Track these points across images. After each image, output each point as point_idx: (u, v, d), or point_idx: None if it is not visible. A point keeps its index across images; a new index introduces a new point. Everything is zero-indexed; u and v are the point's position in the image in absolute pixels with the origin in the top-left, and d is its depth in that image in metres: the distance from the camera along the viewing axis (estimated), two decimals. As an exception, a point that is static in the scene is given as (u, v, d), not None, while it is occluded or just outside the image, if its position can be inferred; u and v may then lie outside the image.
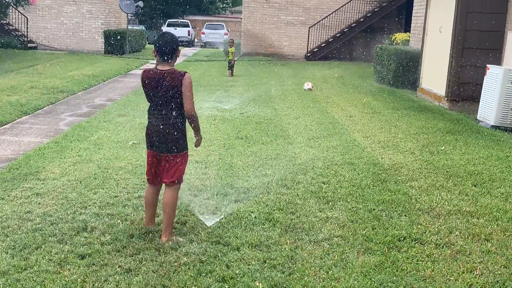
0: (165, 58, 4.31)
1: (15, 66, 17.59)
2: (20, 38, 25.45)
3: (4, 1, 20.54)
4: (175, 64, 4.42)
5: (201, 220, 4.87)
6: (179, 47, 4.47)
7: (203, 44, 41.45)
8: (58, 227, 4.63)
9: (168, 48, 4.28)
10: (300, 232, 4.71)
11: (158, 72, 4.29)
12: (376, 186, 6.07)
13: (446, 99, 11.84)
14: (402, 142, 8.35)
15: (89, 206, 5.17)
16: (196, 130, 4.48)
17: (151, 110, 4.41)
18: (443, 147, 8.04)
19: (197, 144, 4.63)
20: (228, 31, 42.97)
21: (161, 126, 4.31)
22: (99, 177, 6.10)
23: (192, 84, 4.31)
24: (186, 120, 4.39)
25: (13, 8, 23.70)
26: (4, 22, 25.41)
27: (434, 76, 12.75)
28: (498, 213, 5.32)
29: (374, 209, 5.30)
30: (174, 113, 4.30)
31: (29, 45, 25.58)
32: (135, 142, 7.80)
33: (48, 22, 26.60)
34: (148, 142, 4.48)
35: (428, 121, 10.14)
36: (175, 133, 4.31)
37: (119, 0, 26.57)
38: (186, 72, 4.31)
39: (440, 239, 4.65)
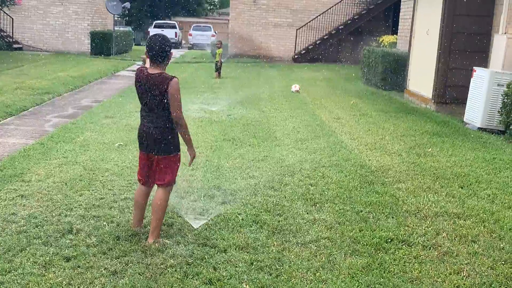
0: (156, 60, 4.25)
1: (0, 67, 17.41)
2: (5, 39, 25.23)
3: (-11, 2, 20.36)
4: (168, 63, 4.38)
5: (188, 222, 4.84)
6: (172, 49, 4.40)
7: (190, 45, 41.40)
8: (43, 229, 4.58)
9: (159, 51, 4.22)
10: (288, 234, 4.70)
11: (147, 75, 4.26)
12: (363, 188, 6.07)
13: (433, 101, 11.89)
14: (389, 144, 8.36)
15: (74, 208, 5.12)
16: (187, 141, 4.39)
17: (142, 112, 4.38)
18: (430, 149, 8.07)
19: (190, 162, 4.52)
20: (215, 32, 42.96)
21: (152, 128, 4.29)
22: (85, 179, 6.04)
23: (179, 89, 4.23)
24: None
25: (-1, 9, 23.50)
26: (-11, 22, 25.20)
27: (421, 78, 12.81)
28: (484, 215, 5.34)
29: (361, 211, 5.30)
30: (163, 116, 4.25)
31: (15, 46, 25.37)
32: (122, 143, 7.75)
33: (34, 23, 26.40)
34: (140, 144, 4.45)
35: (415, 123, 10.18)
36: (166, 135, 4.28)
37: (106, 1, 26.46)
38: (174, 77, 4.24)
39: (427, 240, 4.66)
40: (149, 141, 4.32)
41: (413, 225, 5.00)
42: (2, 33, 25.50)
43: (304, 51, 26.44)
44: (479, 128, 9.75)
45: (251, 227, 4.81)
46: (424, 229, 4.92)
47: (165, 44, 4.25)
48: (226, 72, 19.01)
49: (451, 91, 11.55)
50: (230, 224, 4.85)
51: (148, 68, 4.31)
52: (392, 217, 5.18)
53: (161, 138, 4.28)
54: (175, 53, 30.36)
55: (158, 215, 4.38)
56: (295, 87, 14.82)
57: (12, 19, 25.32)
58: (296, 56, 26.44)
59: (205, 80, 17.19)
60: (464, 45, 11.34)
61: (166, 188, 4.41)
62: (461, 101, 11.12)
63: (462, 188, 6.24)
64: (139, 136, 4.44)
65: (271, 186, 6.01)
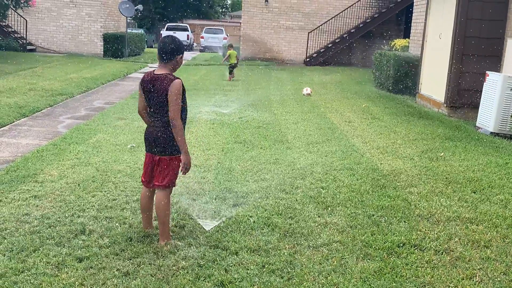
0: (162, 60, 4.30)
1: (14, 68, 17.56)
2: (19, 41, 25.43)
3: (3, 3, 20.51)
4: (178, 68, 4.40)
5: (200, 224, 4.85)
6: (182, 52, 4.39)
7: (202, 48, 41.50)
8: (56, 229, 4.61)
9: (166, 51, 4.27)
10: (299, 237, 4.69)
11: (153, 75, 4.30)
12: (375, 191, 6.06)
13: (445, 105, 11.84)
14: (401, 148, 8.34)
15: (87, 209, 5.15)
16: (180, 144, 4.26)
17: (148, 112, 4.40)
18: (442, 154, 8.04)
19: (183, 168, 4.31)
20: (227, 35, 43.02)
21: (155, 129, 4.31)
22: (98, 180, 6.08)
23: (179, 91, 4.19)
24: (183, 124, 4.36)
25: (13, 10, 23.68)
26: (3, 24, 25.39)
27: (434, 82, 12.76)
28: (497, 220, 5.31)
29: (373, 215, 5.29)
30: (165, 116, 4.25)
31: (28, 47, 25.57)
32: (134, 145, 7.78)
33: (47, 25, 26.59)
34: (145, 144, 4.48)
35: (427, 127, 10.13)
36: (167, 135, 4.27)
37: (119, 4, 26.60)
38: (177, 78, 4.24)
39: (440, 245, 4.64)
40: (152, 141, 4.34)
41: (425, 230, 4.98)
42: (15, 35, 25.71)
43: (315, 54, 26.42)
44: (491, 132, 9.69)
45: (263, 229, 4.82)
46: (437, 233, 4.90)
47: (172, 44, 4.27)
48: (238, 74, 19.04)
49: (464, 95, 11.49)
50: (241, 226, 4.85)
51: (156, 69, 4.35)
52: (404, 221, 5.16)
53: (163, 138, 4.28)
54: (187, 55, 30.50)
55: (161, 218, 4.39)
56: (306, 90, 14.81)
57: (26, 20, 25.51)
58: (307, 59, 26.43)
59: (217, 82, 17.22)
60: (477, 49, 11.28)
61: (165, 190, 4.39)
62: (473, 105, 11.07)
63: (474, 192, 6.21)
64: (144, 136, 4.47)
65: (283, 189, 6.01)
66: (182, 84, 4.25)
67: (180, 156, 4.34)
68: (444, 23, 12.30)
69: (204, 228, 4.76)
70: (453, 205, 5.72)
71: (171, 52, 4.28)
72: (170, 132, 4.26)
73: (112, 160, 6.96)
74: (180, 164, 4.35)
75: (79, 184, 5.88)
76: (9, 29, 25.72)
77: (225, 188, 5.97)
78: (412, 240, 4.69)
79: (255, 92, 14.81)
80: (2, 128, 8.92)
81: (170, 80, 4.20)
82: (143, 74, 4.45)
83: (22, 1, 20.24)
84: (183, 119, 4.33)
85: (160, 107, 4.24)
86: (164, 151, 4.32)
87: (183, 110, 4.32)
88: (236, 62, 18.01)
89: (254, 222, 4.97)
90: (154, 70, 4.36)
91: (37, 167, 6.47)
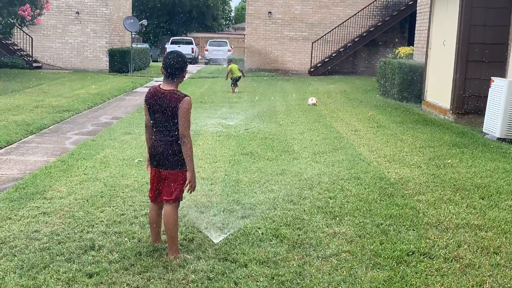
0: (169, 76, 4.34)
1: (21, 85, 17.70)
2: (25, 58, 25.65)
3: (9, 22, 20.71)
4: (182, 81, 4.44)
5: (208, 237, 4.86)
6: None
7: (206, 61, 41.66)
8: (66, 246, 4.63)
9: (173, 67, 4.30)
10: (308, 247, 4.69)
11: (160, 91, 4.33)
12: (383, 200, 6.05)
13: (451, 112, 11.83)
14: (408, 156, 8.33)
15: (96, 224, 5.17)
16: (187, 162, 4.29)
17: (154, 127, 4.42)
18: (449, 161, 8.02)
19: (189, 187, 4.34)
20: (231, 47, 43.20)
21: (161, 143, 4.34)
22: (106, 195, 6.10)
23: (189, 109, 4.25)
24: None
25: (18, 29, 23.89)
26: (9, 42, 25.63)
27: (439, 89, 12.76)
28: (506, 226, 5.29)
29: (381, 224, 5.28)
30: (172, 132, 4.29)
31: (34, 64, 25.77)
32: (141, 159, 7.81)
33: (53, 42, 26.81)
34: (150, 159, 4.49)
35: (433, 135, 10.12)
36: (175, 150, 4.30)
37: (123, 19, 26.81)
38: (186, 96, 4.28)
39: (449, 253, 4.62)
40: (159, 156, 4.36)
41: (434, 238, 4.97)
42: (21, 52, 25.93)
43: (320, 64, 26.48)
44: (498, 138, 9.67)
45: (271, 241, 4.82)
46: (446, 241, 4.89)
47: (178, 61, 4.31)
48: (243, 86, 19.10)
49: (469, 101, 11.48)
50: (250, 238, 4.86)
51: (161, 84, 4.38)
52: (413, 230, 5.16)
53: (169, 153, 4.31)
54: (192, 68, 30.63)
55: (169, 232, 4.41)
56: (311, 100, 14.83)
57: (32, 38, 25.74)
58: (312, 69, 26.49)
59: (222, 94, 17.28)
60: (481, 55, 11.29)
61: (172, 204, 4.40)
62: (479, 111, 11.06)
63: (483, 199, 6.19)
64: (149, 152, 4.49)
65: (290, 199, 6.02)
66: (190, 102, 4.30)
67: (186, 169, 4.34)
68: (447, 30, 12.32)
69: (212, 241, 4.77)
70: (462, 212, 5.71)
71: (177, 69, 4.31)
72: (177, 147, 4.29)
73: (120, 175, 6.99)
74: (185, 173, 4.35)
75: (87, 200, 5.91)
76: (15, 47, 25.95)
77: (233, 200, 5.98)
78: (421, 248, 4.68)
79: (261, 103, 14.85)
80: (10, 146, 8.98)
81: (179, 97, 4.24)
82: (148, 89, 4.47)
83: (28, 19, 20.40)
84: None
85: (168, 123, 4.27)
86: (172, 166, 4.33)
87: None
88: (240, 75, 18.04)
89: (262, 233, 4.97)
90: (159, 85, 4.40)
91: (46, 184, 6.51)
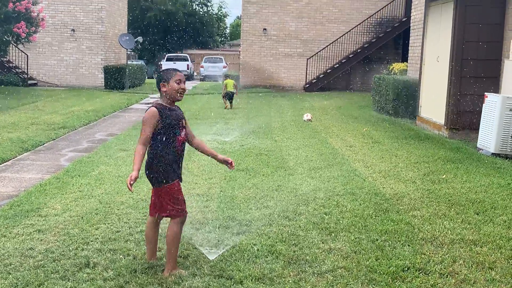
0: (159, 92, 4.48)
1: (16, 103, 17.70)
2: (20, 75, 25.67)
3: (4, 39, 20.77)
4: (175, 95, 4.47)
5: (204, 254, 4.84)
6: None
7: (202, 77, 41.78)
8: (61, 263, 4.61)
9: (157, 82, 4.45)
10: (303, 264, 4.69)
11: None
12: (378, 216, 6.06)
13: (445, 127, 11.89)
14: (403, 171, 8.35)
15: (91, 241, 5.16)
16: (134, 168, 4.25)
17: None
18: (444, 176, 8.05)
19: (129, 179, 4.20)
20: (227, 64, 43.36)
21: (146, 159, 4.40)
22: (101, 212, 6.09)
23: (147, 119, 4.28)
24: (174, 152, 4.39)
25: (13, 46, 23.95)
26: (5, 59, 25.66)
27: (433, 105, 12.84)
28: (501, 241, 5.30)
29: (377, 240, 5.28)
30: (153, 147, 4.35)
31: (29, 81, 25.80)
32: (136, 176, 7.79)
33: (48, 59, 26.87)
34: None
35: (428, 150, 10.16)
36: (152, 166, 4.36)
37: (119, 36, 26.93)
38: (152, 107, 4.35)
39: (444, 268, 4.63)
40: (145, 172, 4.44)
41: (429, 253, 4.97)
42: (17, 70, 25.96)
43: (315, 80, 26.61)
44: (493, 153, 9.71)
45: (267, 257, 4.81)
46: (441, 256, 4.89)
47: (157, 77, 4.46)
48: (239, 102, 19.16)
49: (464, 117, 11.55)
50: (245, 255, 4.85)
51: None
52: (408, 245, 5.16)
53: (151, 169, 4.38)
54: (188, 85, 30.68)
55: (169, 247, 4.41)
56: (307, 116, 14.89)
57: (27, 55, 25.79)
58: (307, 85, 26.61)
59: (218, 111, 17.32)
60: (475, 71, 11.38)
61: (174, 219, 4.41)
62: (474, 126, 11.12)
63: (477, 214, 6.21)
64: None
65: (286, 215, 6.02)
66: (158, 113, 4.28)
67: (172, 184, 4.37)
68: (441, 46, 12.42)
69: (208, 258, 4.76)
70: (457, 227, 5.72)
71: (157, 84, 4.45)
72: (159, 162, 4.33)
73: (115, 192, 6.98)
74: (177, 194, 4.39)
75: (82, 217, 5.89)
76: (10, 65, 25.98)
77: (228, 216, 5.98)
78: (417, 264, 4.68)
79: (256, 120, 14.88)
80: (5, 163, 8.96)
81: (148, 108, 4.38)
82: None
83: (23, 37, 20.47)
84: (171, 149, 4.35)
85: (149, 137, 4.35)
86: (157, 181, 4.38)
87: (169, 140, 4.33)
88: (234, 90, 18.11)
89: (258, 250, 4.96)
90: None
91: (41, 201, 6.49)
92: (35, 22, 21.16)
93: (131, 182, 4.15)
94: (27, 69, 26.06)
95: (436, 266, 4.67)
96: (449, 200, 6.74)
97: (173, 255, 4.42)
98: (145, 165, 4.39)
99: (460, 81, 11.49)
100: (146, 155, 4.35)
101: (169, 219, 4.50)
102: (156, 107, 4.33)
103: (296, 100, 21.74)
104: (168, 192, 4.37)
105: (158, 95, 4.50)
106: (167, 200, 4.37)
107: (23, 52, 25.58)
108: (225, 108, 17.88)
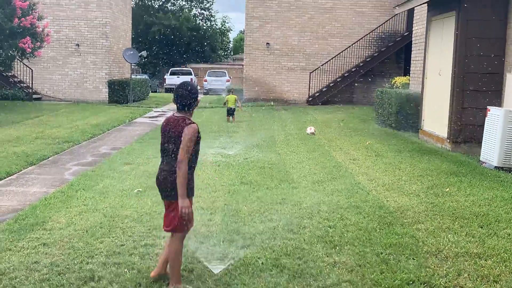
0: (181, 107, 4.42)
1: (20, 117, 17.79)
2: (25, 90, 25.79)
3: (9, 54, 20.90)
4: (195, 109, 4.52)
5: (208, 268, 4.85)
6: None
7: (206, 91, 41.92)
8: (66, 277, 4.63)
9: (184, 98, 4.38)
10: (308, 277, 4.69)
11: (171, 118, 4.43)
12: (382, 229, 6.06)
13: (448, 141, 11.90)
14: (407, 185, 8.36)
15: (95, 255, 5.18)
16: (178, 188, 4.20)
17: (161, 156, 4.50)
18: (447, 189, 8.05)
19: (181, 214, 4.20)
20: (230, 77, 43.50)
21: (164, 172, 4.39)
22: (105, 226, 6.11)
23: (192, 136, 4.25)
24: (194, 168, 4.43)
25: (18, 61, 24.10)
26: (10, 74, 25.80)
27: (436, 118, 12.86)
28: (505, 254, 5.30)
29: (381, 253, 5.29)
30: (175, 161, 4.29)
31: (34, 96, 25.90)
32: (140, 190, 7.84)
33: (52, 74, 27.00)
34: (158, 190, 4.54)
35: (431, 163, 10.17)
36: (174, 179, 4.29)
37: (123, 51, 27.07)
38: (194, 123, 4.34)
39: (449, 281, 4.63)
40: (161, 185, 4.41)
41: (434, 266, 4.98)
42: (21, 84, 26.08)
43: (318, 94, 26.68)
44: (496, 167, 9.71)
45: (271, 271, 4.82)
46: (445, 270, 4.90)
47: (189, 92, 4.38)
48: (241, 116, 19.22)
49: (466, 130, 11.56)
50: (250, 268, 4.86)
51: (175, 113, 4.48)
52: (413, 259, 5.16)
53: (168, 182, 4.33)
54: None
55: (170, 262, 4.43)
56: (310, 129, 14.92)
57: (32, 70, 25.92)
58: (310, 99, 26.67)
59: (221, 124, 17.36)
60: (477, 85, 11.40)
61: (175, 235, 4.42)
62: (477, 140, 11.13)
63: (481, 227, 6.21)
64: (156, 182, 4.53)
65: (290, 229, 6.03)
66: (198, 131, 4.32)
67: (191, 198, 4.38)
68: (443, 60, 12.47)
69: (212, 272, 4.77)
70: (461, 240, 5.72)
71: (189, 100, 4.39)
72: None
73: (119, 205, 7.01)
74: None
75: (87, 231, 5.91)
76: (15, 79, 26.12)
77: (233, 230, 5.99)
78: (421, 277, 4.69)
79: (260, 133, 14.92)
80: (10, 177, 9.00)
81: (185, 123, 4.29)
82: (166, 117, 4.56)
83: (28, 52, 20.60)
84: (193, 166, 4.37)
85: (172, 150, 4.31)
86: (172, 195, 4.34)
87: (194, 157, 4.36)
88: (234, 107, 18.19)
89: (262, 263, 4.97)
90: (173, 115, 4.49)
91: (45, 215, 6.52)
92: (40, 37, 21.30)
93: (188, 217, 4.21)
94: (32, 83, 26.18)
95: (441, 279, 4.67)
96: (453, 214, 6.74)
97: (176, 269, 4.44)
98: (165, 177, 4.35)
99: (463, 94, 11.52)
100: (173, 166, 4.29)
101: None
102: (196, 124, 4.33)
103: (299, 113, 21.79)
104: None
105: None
106: (176, 214, 4.33)
107: (28, 67, 25.71)
108: (227, 120, 17.96)
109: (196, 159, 4.44)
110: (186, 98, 4.37)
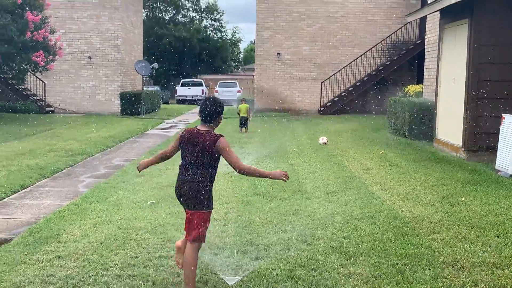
0: (205, 121, 4.53)
1: (34, 130, 17.92)
2: (37, 103, 26.03)
3: (22, 68, 21.11)
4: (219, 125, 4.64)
5: (223, 279, 4.83)
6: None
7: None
8: (80, 290, 4.62)
9: (209, 112, 4.50)
10: (323, 289, 4.65)
11: (196, 131, 4.51)
12: (398, 239, 6.01)
13: (463, 149, 11.81)
14: (422, 194, 8.29)
15: (110, 267, 5.17)
16: (260, 174, 4.57)
17: (182, 167, 4.54)
18: (463, 198, 7.98)
19: (282, 176, 4.56)
20: (241, 88, 43.59)
21: (190, 183, 4.44)
22: (119, 238, 6.11)
23: (229, 145, 4.48)
24: (213, 182, 4.56)
25: (31, 74, 24.33)
26: (23, 87, 26.06)
27: (450, 126, 12.77)
28: (524, 264, 5.23)
29: (397, 264, 5.24)
30: (203, 172, 4.43)
31: (47, 109, 26.12)
32: (154, 201, 7.84)
33: (65, 86, 27.22)
34: (179, 201, 4.59)
35: (446, 172, 10.08)
36: (203, 190, 4.41)
37: (135, 63, 27.24)
38: (222, 135, 4.48)
39: (467, 292, 4.57)
40: (186, 195, 4.44)
41: (450, 277, 4.92)
42: (34, 97, 26.33)
43: (329, 103, 26.64)
44: (511, 175, 9.61)
45: (286, 282, 4.79)
46: (462, 280, 4.84)
47: (215, 107, 4.51)
48: (253, 126, 19.22)
49: (481, 138, 11.46)
50: (264, 280, 4.83)
51: (198, 126, 4.57)
52: (429, 269, 5.11)
53: (197, 193, 4.40)
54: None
55: (185, 271, 4.45)
56: (322, 139, 14.87)
57: (44, 83, 26.15)
58: (321, 109, 26.64)
59: (233, 135, 17.36)
60: (491, 92, 11.32)
61: (193, 244, 4.46)
62: (491, 148, 11.03)
63: (498, 237, 6.13)
64: (176, 192, 4.57)
65: (304, 240, 5.99)
66: None
67: (210, 212, 4.49)
68: (456, 68, 12.41)
69: (227, 283, 4.74)
70: (477, 250, 5.65)
71: (215, 114, 4.51)
72: (206, 186, 4.44)
73: (133, 217, 7.01)
74: (208, 222, 4.51)
75: (101, 243, 5.91)
76: (28, 92, 26.38)
77: (246, 241, 5.96)
78: (438, 288, 4.63)
79: (271, 143, 14.90)
80: (24, 190, 9.04)
81: (215, 137, 4.44)
82: (182, 132, 4.63)
83: (41, 65, 20.80)
84: (213, 179, 4.54)
85: (202, 161, 4.42)
86: (198, 205, 4.42)
87: (215, 172, 4.54)
88: (247, 116, 18.28)
89: (277, 275, 4.94)
90: (196, 127, 4.58)
91: (60, 228, 6.53)
92: (53, 51, 21.50)
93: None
94: (45, 96, 26.41)
95: (458, 290, 4.61)
96: (469, 223, 6.67)
97: (192, 278, 4.46)
98: (194, 187, 4.42)
99: (477, 102, 11.44)
100: (199, 177, 4.42)
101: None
102: (223, 135, 4.51)
103: (311, 123, 21.77)
104: (206, 217, 4.48)
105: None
106: (200, 224, 4.42)
107: (41, 80, 25.95)
108: (240, 131, 18.01)
109: (216, 172, 4.57)
110: (213, 112, 4.50)
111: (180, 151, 4.60)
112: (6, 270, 5.09)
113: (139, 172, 4.99)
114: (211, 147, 4.40)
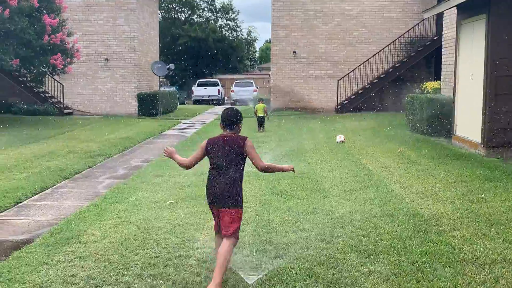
0: (230, 127, 4.90)
1: (53, 132, 18.10)
2: (56, 105, 26.30)
3: (40, 71, 21.35)
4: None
5: (242, 278, 4.85)
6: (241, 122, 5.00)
7: (233, 101, 42.10)
8: (102, 290, 4.67)
9: (231, 121, 4.92)
10: (343, 287, 4.65)
11: (222, 136, 4.87)
12: (417, 237, 5.98)
13: (482, 145, 11.71)
14: (441, 191, 8.24)
15: (131, 267, 5.21)
16: (278, 169, 5.12)
17: (214, 170, 4.82)
18: (482, 195, 7.91)
19: (291, 169, 5.10)
20: (257, 87, 43.61)
21: (223, 183, 4.73)
22: (139, 238, 6.16)
23: (253, 145, 4.85)
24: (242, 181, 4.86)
25: (49, 77, 24.59)
26: (41, 90, 26.35)
27: (469, 123, 12.67)
28: (546, 261, 5.18)
29: (417, 261, 5.21)
30: (235, 171, 4.76)
31: (65, 111, 26.39)
32: (173, 201, 7.88)
33: (83, 88, 27.47)
34: (210, 202, 4.86)
35: (465, 169, 10.01)
36: (236, 188, 4.75)
37: (151, 64, 27.40)
38: (247, 137, 4.82)
39: (488, 289, 4.53)
40: (220, 195, 4.72)
41: (471, 274, 4.89)
42: (53, 100, 26.61)
43: (346, 101, 26.56)
44: (532, 171, 9.51)
45: (305, 281, 4.79)
46: (483, 277, 4.80)
47: (236, 116, 4.94)
48: (270, 125, 19.23)
49: (500, 134, 11.36)
50: (284, 278, 4.84)
51: (222, 133, 4.92)
52: (449, 266, 5.08)
53: (233, 191, 4.71)
54: (219, 109, 30.95)
55: (219, 262, 4.56)
56: (339, 137, 14.83)
57: (62, 85, 26.41)
58: (338, 107, 26.57)
59: (249, 134, 17.36)
60: (510, 88, 11.21)
61: (230, 239, 4.68)
62: (511, 144, 10.92)
63: (519, 233, 6.08)
64: (208, 193, 4.85)
65: (323, 238, 5.99)
66: None
67: (242, 209, 4.81)
68: (474, 64, 12.30)
69: (246, 282, 4.76)
70: (498, 247, 5.61)
71: (238, 121, 4.95)
72: (239, 185, 4.77)
73: (153, 217, 7.06)
74: (241, 218, 4.83)
75: (121, 243, 5.96)
76: (47, 95, 26.68)
77: (265, 240, 5.98)
78: (459, 286, 4.61)
79: (288, 142, 14.90)
80: (44, 192, 9.15)
81: (242, 138, 4.85)
82: (207, 140, 4.94)
83: (59, 68, 21.01)
84: (242, 178, 4.86)
85: (233, 162, 4.76)
86: (232, 203, 4.71)
87: (243, 169, 4.86)
88: (263, 115, 18.32)
89: (296, 273, 4.95)
90: (221, 134, 4.91)
91: (80, 228, 6.60)
92: (70, 53, 21.69)
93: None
94: (63, 98, 26.68)
95: (479, 287, 4.59)
96: (489, 220, 6.62)
97: (222, 270, 4.56)
98: (230, 185, 4.72)
99: (495, 98, 11.33)
100: (232, 175, 4.74)
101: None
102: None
103: (328, 121, 21.72)
104: (240, 214, 4.79)
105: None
106: (236, 220, 4.73)
107: (59, 82, 26.21)
108: (258, 131, 18.04)
109: (244, 172, 4.90)
110: (236, 120, 4.92)
111: (207, 158, 4.89)
112: (29, 271, 5.16)
113: (165, 155, 5.28)
114: (241, 147, 4.76)
